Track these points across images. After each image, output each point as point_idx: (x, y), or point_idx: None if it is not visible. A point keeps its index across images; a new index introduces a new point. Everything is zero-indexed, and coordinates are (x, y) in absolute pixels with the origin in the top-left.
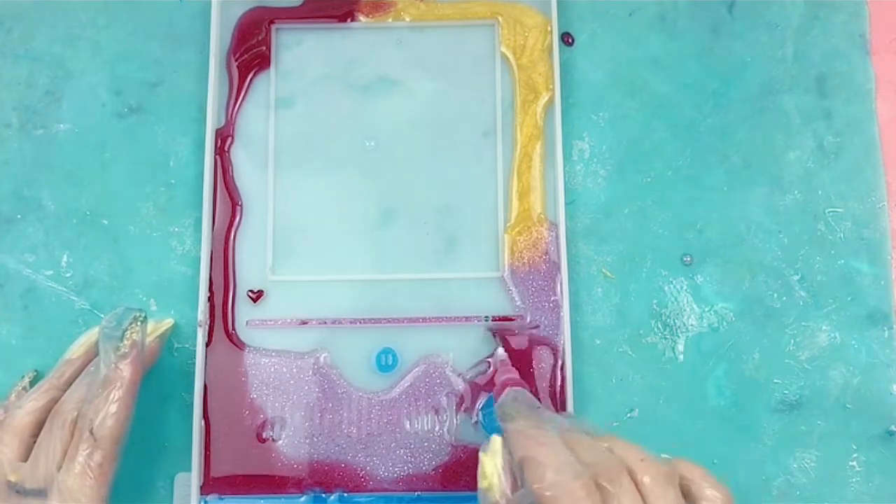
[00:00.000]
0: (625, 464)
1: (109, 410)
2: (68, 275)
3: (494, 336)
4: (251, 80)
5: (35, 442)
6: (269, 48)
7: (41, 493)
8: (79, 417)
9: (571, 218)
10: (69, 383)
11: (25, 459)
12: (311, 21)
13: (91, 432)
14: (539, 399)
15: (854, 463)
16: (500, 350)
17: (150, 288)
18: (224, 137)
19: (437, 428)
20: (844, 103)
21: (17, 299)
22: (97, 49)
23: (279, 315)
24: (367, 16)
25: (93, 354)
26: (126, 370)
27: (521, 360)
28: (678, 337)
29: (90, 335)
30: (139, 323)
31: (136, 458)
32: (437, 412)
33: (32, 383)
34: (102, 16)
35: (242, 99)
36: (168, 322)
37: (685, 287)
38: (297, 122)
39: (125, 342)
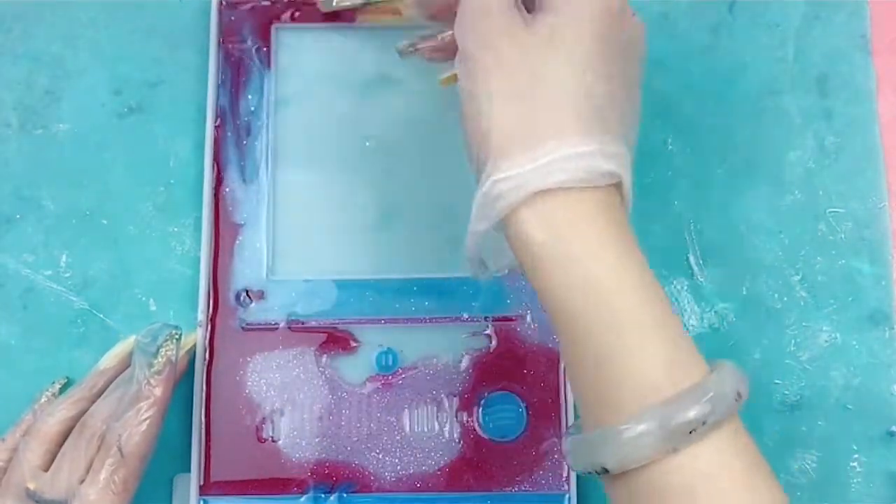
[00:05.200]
0: None
1: (139, 428)
2: (68, 275)
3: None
4: (251, 79)
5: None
6: (269, 48)
7: None
8: (107, 432)
9: None
10: (101, 394)
11: (48, 469)
12: (311, 21)
13: (118, 448)
14: (537, 400)
15: (855, 464)
16: None
17: (150, 288)
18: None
19: (437, 428)
20: (845, 103)
21: (17, 299)
22: (97, 49)
23: (279, 315)
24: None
25: (125, 365)
26: (158, 388)
27: (521, 361)
28: None
29: (123, 346)
30: (174, 341)
31: None
32: (437, 412)
33: (62, 390)
34: (102, 16)
35: (242, 98)
36: (193, 337)
37: (685, 287)
38: (296, 122)
39: (159, 359)
